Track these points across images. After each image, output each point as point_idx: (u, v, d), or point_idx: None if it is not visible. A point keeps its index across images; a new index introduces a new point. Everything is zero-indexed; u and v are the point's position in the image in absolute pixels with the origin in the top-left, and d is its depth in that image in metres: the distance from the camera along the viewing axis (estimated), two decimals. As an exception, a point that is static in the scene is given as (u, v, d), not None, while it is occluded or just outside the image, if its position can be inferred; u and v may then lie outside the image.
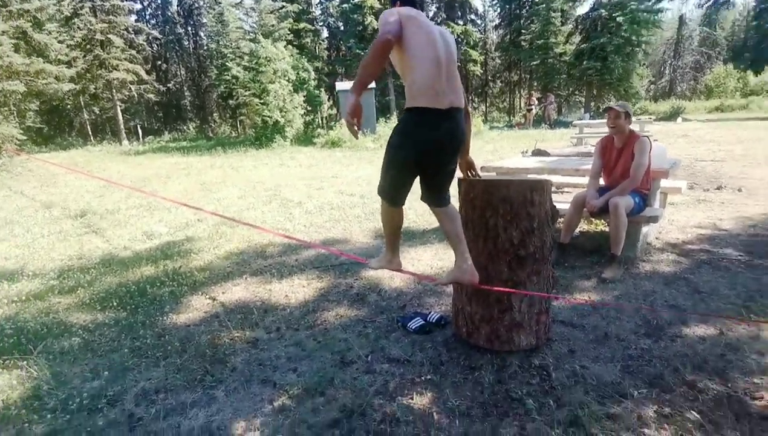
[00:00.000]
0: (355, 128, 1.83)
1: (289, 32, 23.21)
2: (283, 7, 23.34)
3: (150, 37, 27.90)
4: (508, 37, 30.79)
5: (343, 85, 17.05)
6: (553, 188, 3.94)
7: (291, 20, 23.86)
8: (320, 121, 20.36)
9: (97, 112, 26.79)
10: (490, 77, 35.37)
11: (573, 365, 2.07)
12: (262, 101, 14.86)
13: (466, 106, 2.04)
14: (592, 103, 23.50)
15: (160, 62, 31.98)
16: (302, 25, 25.55)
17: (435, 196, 2.06)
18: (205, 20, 30.34)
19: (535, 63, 26.88)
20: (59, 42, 16.38)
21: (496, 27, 34.59)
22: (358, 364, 2.19)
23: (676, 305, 2.62)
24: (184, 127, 29.07)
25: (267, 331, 2.60)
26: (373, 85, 15.54)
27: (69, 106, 25.11)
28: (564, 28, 25.90)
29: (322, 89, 21.32)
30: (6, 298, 3.28)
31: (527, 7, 28.81)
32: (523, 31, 28.56)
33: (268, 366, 2.22)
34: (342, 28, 28.36)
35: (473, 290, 2.16)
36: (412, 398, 1.90)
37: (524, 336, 2.16)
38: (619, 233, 3.10)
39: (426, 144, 1.89)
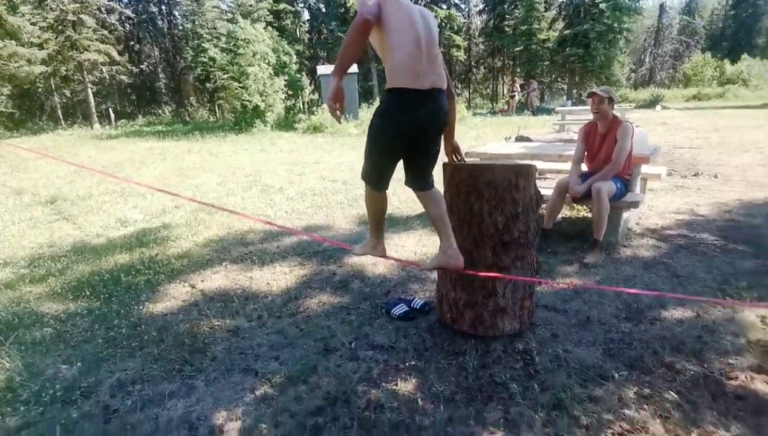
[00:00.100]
0: (338, 113, 1.80)
1: (268, 13, 22.57)
2: (262, -16, 22.68)
3: (122, 17, 26.80)
4: (492, 22, 30.71)
5: (325, 69, 16.69)
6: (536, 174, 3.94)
7: (270, 0, 23.19)
8: (301, 106, 19.96)
9: (68, 95, 25.70)
10: (473, 63, 35.31)
11: (556, 349, 2.09)
12: (241, 85, 14.44)
13: (450, 88, 1.99)
14: (575, 91, 23.73)
15: (132, 42, 30.73)
16: (282, 5, 24.88)
17: (418, 180, 2.03)
18: (179, -2, 29.26)
19: (518, 49, 26.93)
20: (32, 24, 15.56)
21: (480, 12, 34.41)
22: (342, 351, 2.17)
23: (656, 288, 2.66)
24: (159, 111, 28.01)
25: (248, 319, 2.55)
26: (355, 69, 15.23)
27: (40, 90, 23.98)
28: (547, 14, 26.00)
29: (304, 73, 20.87)
30: (-28, 288, 3.14)
31: (511, -8, 28.76)
32: (507, 16, 28.52)
33: (250, 355, 2.18)
34: (323, 9, 27.78)
35: (458, 276, 2.14)
36: (396, 385, 1.89)
37: (508, 321, 2.16)
38: (602, 218, 3.13)
39: (407, 125, 1.84)
